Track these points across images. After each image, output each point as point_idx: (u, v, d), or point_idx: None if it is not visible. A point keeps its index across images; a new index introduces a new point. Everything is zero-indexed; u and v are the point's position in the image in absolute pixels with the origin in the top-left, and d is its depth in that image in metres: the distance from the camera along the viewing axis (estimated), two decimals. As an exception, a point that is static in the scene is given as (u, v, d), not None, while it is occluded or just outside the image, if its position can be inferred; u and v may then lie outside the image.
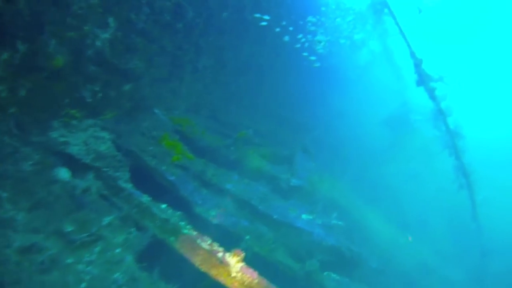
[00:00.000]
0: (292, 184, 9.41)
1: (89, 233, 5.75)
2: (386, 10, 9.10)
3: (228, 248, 6.24)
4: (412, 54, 8.90)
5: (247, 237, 7.29)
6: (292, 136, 12.77)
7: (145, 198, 6.61)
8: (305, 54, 14.75)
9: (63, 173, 6.59)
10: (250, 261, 6.29)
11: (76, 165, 6.87)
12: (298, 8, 14.04)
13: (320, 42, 14.45)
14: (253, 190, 8.31)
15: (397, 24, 8.97)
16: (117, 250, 5.74)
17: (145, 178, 7.57)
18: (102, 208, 6.30)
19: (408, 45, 8.86)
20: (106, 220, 6.01)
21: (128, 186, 6.81)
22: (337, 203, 10.69)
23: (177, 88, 10.44)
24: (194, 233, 6.19)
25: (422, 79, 8.91)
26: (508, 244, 14.15)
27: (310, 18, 14.56)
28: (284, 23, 12.97)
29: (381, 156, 17.01)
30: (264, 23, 11.99)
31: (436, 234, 14.24)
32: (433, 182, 16.36)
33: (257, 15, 11.79)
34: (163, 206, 6.63)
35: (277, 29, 12.68)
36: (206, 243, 6.08)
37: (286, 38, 13.36)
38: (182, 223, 6.32)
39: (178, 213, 6.57)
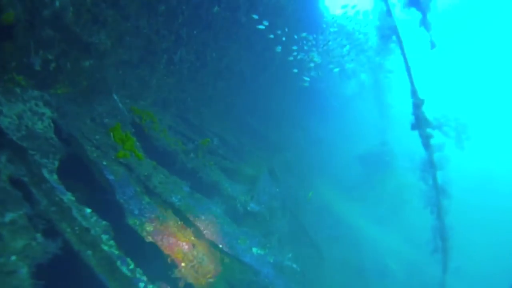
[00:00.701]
0: (250, 208, 8.34)
1: (-19, 229, 4.51)
2: (394, 38, 8.16)
3: (155, 277, 5.16)
4: (414, 93, 7.91)
5: (183, 264, 6.13)
6: (262, 153, 11.73)
7: (68, 197, 5.38)
8: (295, 70, 13.90)
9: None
10: (181, 294, 5.24)
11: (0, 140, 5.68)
12: (298, 19, 13.15)
13: (313, 57, 13.58)
14: (203, 209, 7.17)
15: (403, 55, 8.00)
16: (12, 258, 4.50)
17: (79, 172, 6.39)
18: (11, 199, 5.04)
19: (411, 82, 7.88)
20: (9, 216, 4.75)
21: (53, 177, 5.59)
22: (295, 238, 9.74)
23: (147, 77, 9.36)
24: (116, 252, 5.03)
25: (419, 123, 7.93)
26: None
27: (305, 35, 13.74)
28: (279, 32, 12.05)
29: (350, 192, 16.26)
30: (261, 27, 11.03)
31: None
32: (399, 232, 15.64)
33: (255, 16, 10.82)
34: (88, 210, 5.43)
35: (271, 36, 11.73)
36: (127, 267, 4.95)
37: (278, 48, 12.45)
38: (105, 237, 5.15)
39: (104, 222, 5.37)
